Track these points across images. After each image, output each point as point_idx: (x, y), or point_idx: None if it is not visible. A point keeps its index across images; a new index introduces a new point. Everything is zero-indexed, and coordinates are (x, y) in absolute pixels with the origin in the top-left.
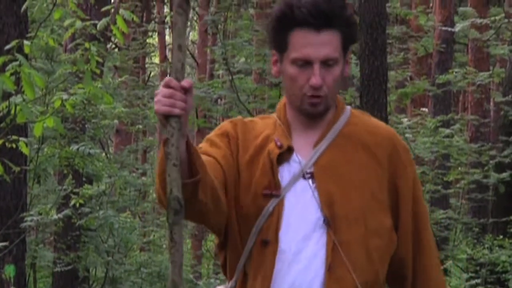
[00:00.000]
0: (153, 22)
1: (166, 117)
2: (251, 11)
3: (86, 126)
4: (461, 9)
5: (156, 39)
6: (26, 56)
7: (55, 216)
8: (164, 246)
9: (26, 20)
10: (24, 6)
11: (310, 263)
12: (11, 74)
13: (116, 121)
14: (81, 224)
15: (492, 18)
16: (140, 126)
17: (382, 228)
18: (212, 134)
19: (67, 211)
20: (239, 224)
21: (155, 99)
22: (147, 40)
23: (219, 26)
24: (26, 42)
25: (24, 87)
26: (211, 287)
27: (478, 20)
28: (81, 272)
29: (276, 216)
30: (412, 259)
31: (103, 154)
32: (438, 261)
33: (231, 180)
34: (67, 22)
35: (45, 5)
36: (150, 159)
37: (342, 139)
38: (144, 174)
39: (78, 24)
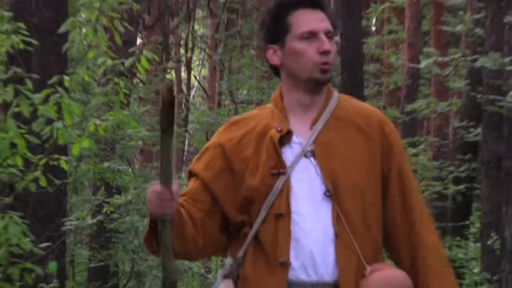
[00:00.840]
0: (171, 61)
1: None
2: (252, 52)
3: (116, 146)
4: (425, 49)
5: (173, 75)
6: (66, 89)
7: (90, 221)
8: None
9: (66, 59)
10: (64, 47)
11: (323, 233)
12: (54, 104)
13: (140, 142)
14: (111, 228)
15: (451, 57)
16: None
17: (378, 201)
18: (203, 152)
19: (100, 217)
20: (249, 204)
21: (149, 204)
22: (166, 76)
23: (225, 64)
24: (66, 77)
25: (64, 114)
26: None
27: (440, 58)
28: (111, 267)
29: (286, 192)
30: (403, 225)
31: (130, 170)
32: (427, 219)
33: (222, 184)
34: (100, 61)
35: (82, 46)
36: None
37: (335, 120)
38: None
39: (109, 62)
